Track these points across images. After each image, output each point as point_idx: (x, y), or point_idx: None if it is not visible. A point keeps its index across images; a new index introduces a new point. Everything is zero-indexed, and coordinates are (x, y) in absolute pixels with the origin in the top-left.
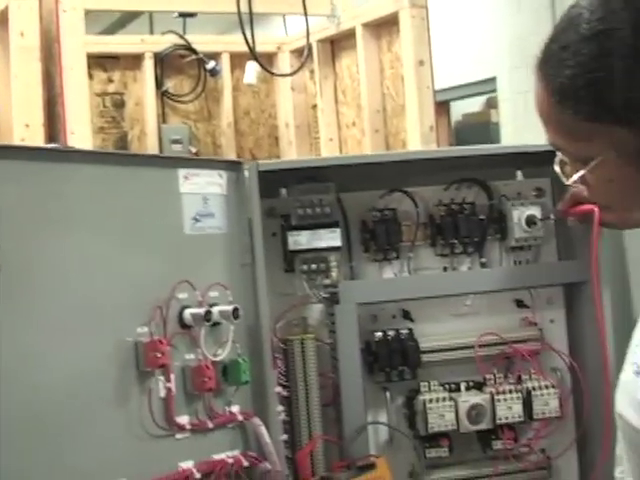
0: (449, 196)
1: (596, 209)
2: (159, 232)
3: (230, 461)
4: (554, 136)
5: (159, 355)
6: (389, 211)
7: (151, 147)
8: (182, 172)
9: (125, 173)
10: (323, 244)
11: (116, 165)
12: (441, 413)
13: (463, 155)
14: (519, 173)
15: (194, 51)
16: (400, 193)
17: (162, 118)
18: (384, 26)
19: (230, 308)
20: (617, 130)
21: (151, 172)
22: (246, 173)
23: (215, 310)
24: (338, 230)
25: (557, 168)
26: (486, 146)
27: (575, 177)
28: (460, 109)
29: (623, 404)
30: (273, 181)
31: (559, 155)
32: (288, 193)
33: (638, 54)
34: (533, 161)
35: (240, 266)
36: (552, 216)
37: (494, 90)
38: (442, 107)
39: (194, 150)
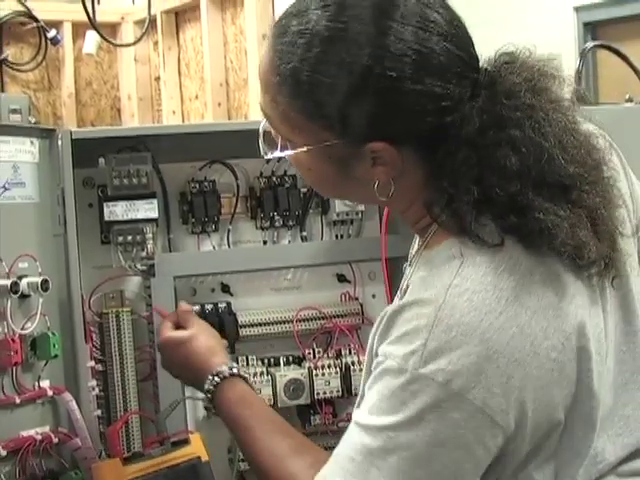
0: (270, 168)
1: None
2: None
3: (39, 437)
4: (267, 106)
5: None
6: (208, 183)
7: None
8: None
9: None
10: (140, 215)
11: None
12: (258, 388)
13: None
14: None
15: (35, 19)
16: (220, 165)
17: (0, 87)
18: None
19: (39, 280)
20: (327, 135)
21: None
22: (60, 141)
23: (23, 282)
24: (155, 201)
25: (261, 134)
26: None
27: (275, 154)
28: None
29: None
30: (93, 151)
31: (265, 122)
32: (106, 163)
33: (365, 77)
34: None
35: (52, 237)
36: None
37: None
38: None
39: (33, 120)
